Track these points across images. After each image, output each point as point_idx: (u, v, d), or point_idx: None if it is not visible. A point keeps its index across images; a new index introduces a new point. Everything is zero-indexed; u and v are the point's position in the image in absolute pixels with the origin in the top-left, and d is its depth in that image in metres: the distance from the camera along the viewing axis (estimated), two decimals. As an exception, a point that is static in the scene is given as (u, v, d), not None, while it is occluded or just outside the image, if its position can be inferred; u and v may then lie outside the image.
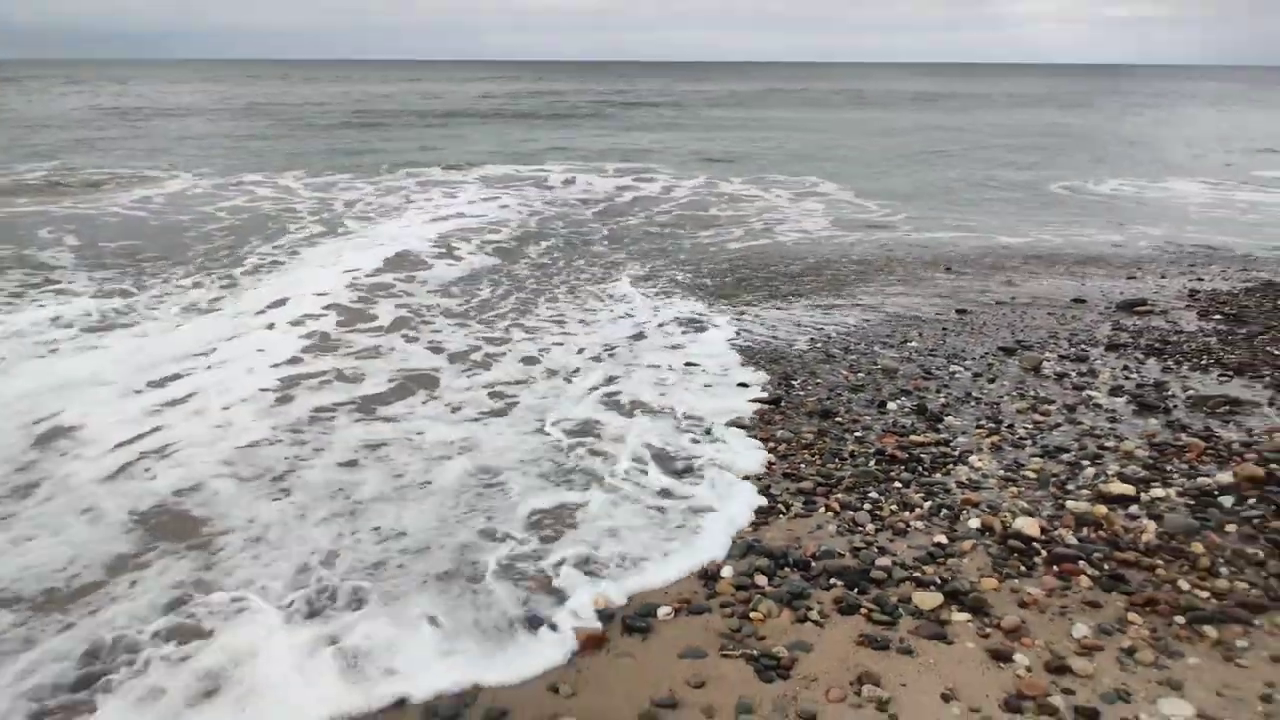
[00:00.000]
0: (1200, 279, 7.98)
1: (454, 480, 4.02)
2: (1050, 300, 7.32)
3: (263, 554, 3.36)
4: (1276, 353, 5.60)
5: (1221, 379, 5.19)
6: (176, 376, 5.33)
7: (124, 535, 3.50)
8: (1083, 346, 5.91)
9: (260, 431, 4.52)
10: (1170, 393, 4.98)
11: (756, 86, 69.36)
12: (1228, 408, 4.73)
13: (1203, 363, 5.46)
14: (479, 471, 4.12)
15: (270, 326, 6.45)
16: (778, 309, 7.12)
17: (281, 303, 7.08)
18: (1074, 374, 5.35)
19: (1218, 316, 6.54)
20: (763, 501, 3.77)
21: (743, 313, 6.97)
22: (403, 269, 8.49)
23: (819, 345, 6.06)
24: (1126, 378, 5.26)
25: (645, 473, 4.10)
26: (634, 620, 2.88)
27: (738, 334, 6.34)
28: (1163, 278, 8.14)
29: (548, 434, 4.57)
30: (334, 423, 4.70)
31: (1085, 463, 4.08)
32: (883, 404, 4.90)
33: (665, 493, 3.90)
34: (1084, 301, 7.20)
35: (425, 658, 2.70)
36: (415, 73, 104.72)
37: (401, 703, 2.54)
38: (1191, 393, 4.96)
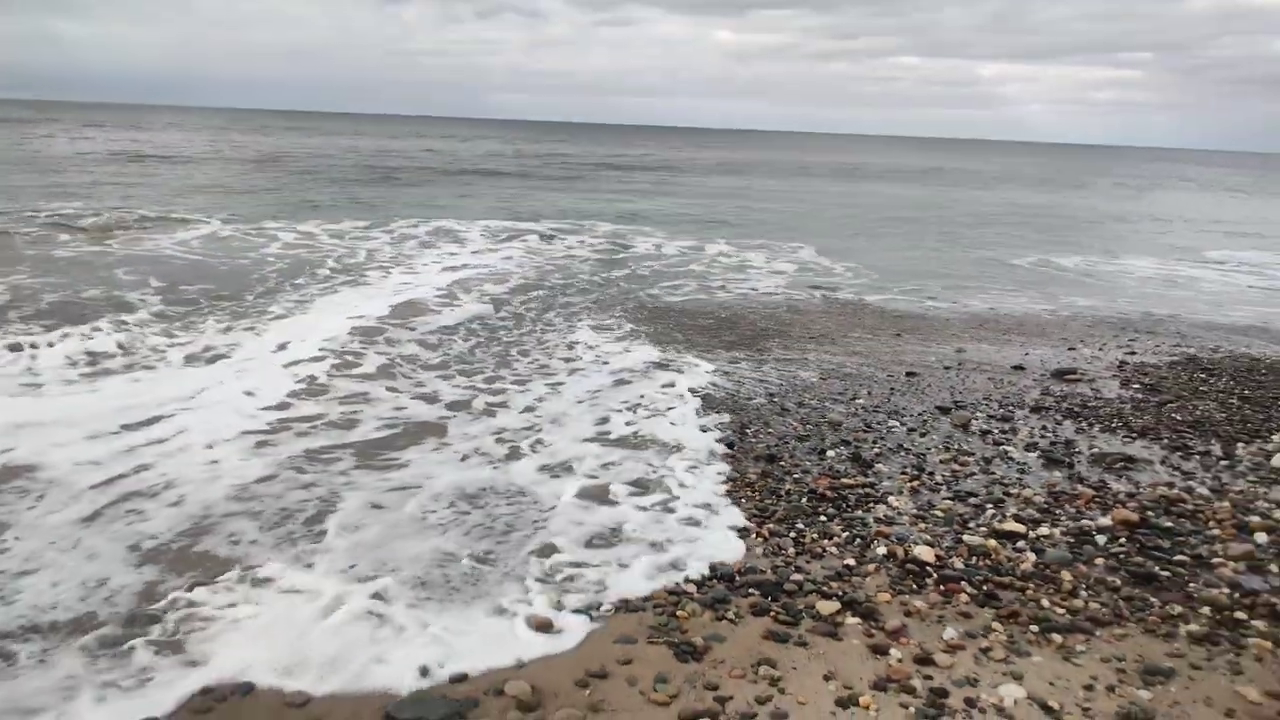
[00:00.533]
0: (1133, 352, 8.69)
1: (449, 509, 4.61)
2: (993, 366, 8.00)
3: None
4: (1178, 419, 6.26)
5: (1125, 440, 5.83)
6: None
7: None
8: (1010, 408, 6.56)
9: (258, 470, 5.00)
10: (1077, 450, 5.62)
11: (752, 155, 71.66)
12: (1123, 464, 5.36)
13: (1112, 426, 6.11)
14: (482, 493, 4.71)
15: (288, 364, 7.04)
16: (751, 362, 7.79)
17: (284, 346, 7.71)
18: (997, 431, 5.99)
19: (1136, 386, 7.22)
20: (704, 528, 4.37)
21: (716, 365, 7.63)
22: (410, 314, 9.22)
23: (775, 398, 6.70)
24: (1042, 436, 5.90)
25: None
26: (581, 611, 3.47)
27: (707, 384, 6.99)
28: (1100, 349, 8.84)
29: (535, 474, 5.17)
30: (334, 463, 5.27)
31: (989, 506, 4.69)
32: (823, 451, 5.52)
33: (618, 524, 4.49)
34: (1023, 369, 7.87)
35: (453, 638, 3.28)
36: (418, 128, 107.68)
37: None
38: (1095, 450, 5.60)
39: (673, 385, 7.01)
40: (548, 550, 4.08)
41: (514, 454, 5.39)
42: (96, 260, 11.82)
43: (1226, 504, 4.67)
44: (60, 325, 8.06)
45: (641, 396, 6.66)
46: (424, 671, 3.06)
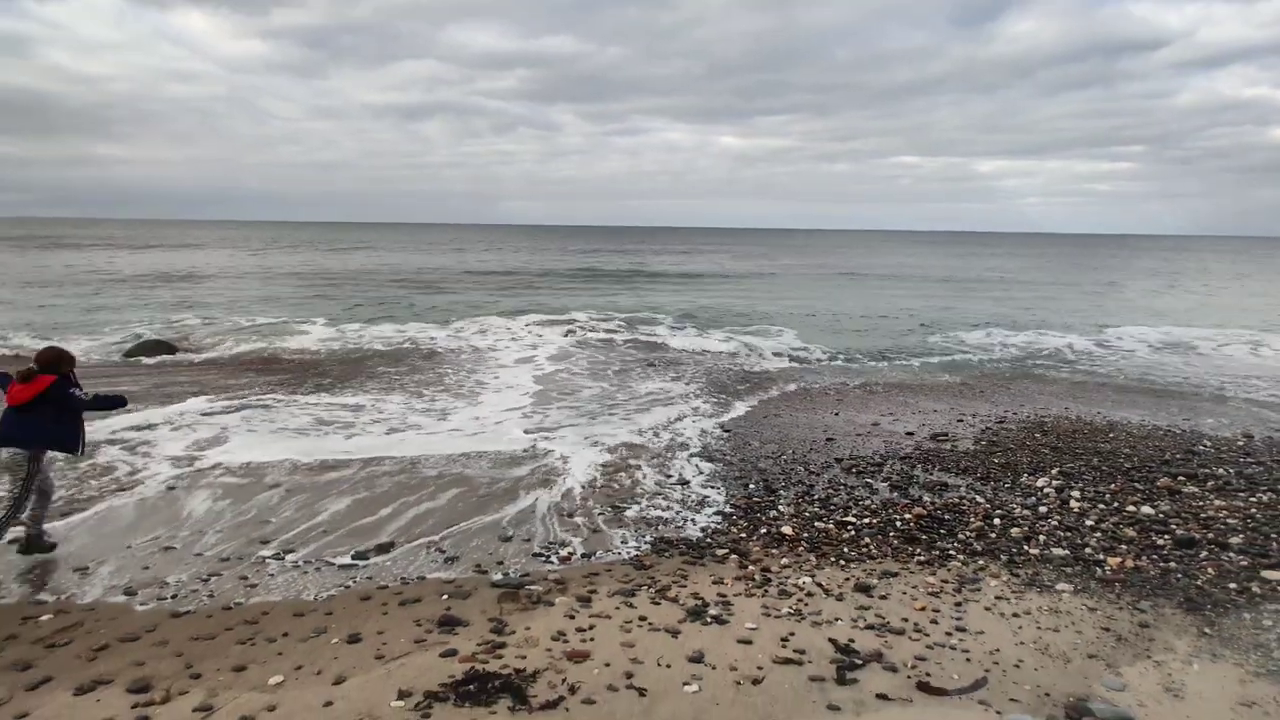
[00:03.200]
0: (1003, 420, 11.64)
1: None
2: (893, 432, 10.97)
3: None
4: (995, 462, 9.20)
5: (950, 475, 8.76)
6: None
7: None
8: (887, 459, 9.50)
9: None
10: (915, 480, 8.55)
11: (757, 252, 76.20)
12: (939, 487, 8.30)
13: (947, 467, 9.04)
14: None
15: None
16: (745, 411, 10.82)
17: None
18: (870, 472, 8.93)
19: (983, 443, 10.17)
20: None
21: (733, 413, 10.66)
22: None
23: (726, 453, 9.69)
24: (897, 474, 8.84)
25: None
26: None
27: (721, 427, 10.02)
28: (978, 417, 11.80)
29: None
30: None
31: (842, 510, 7.62)
32: (745, 484, 8.49)
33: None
34: (913, 433, 10.83)
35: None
36: (439, 235, 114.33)
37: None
38: (926, 480, 8.54)
39: (683, 419, 10.05)
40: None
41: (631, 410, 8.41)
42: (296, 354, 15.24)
43: (983, 503, 7.61)
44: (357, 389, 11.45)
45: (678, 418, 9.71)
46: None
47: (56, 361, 6.19)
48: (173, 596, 5.50)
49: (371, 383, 13.69)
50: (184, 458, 8.94)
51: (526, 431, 10.62)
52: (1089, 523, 7.15)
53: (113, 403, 6.67)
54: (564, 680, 4.33)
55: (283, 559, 6.25)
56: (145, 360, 16.57)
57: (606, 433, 10.62)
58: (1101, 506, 7.59)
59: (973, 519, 7.30)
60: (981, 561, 6.33)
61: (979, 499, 7.89)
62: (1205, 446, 9.92)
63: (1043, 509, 7.55)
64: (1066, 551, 6.50)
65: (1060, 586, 5.82)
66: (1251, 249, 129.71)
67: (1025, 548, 6.61)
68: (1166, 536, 6.78)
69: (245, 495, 7.79)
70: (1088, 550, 6.52)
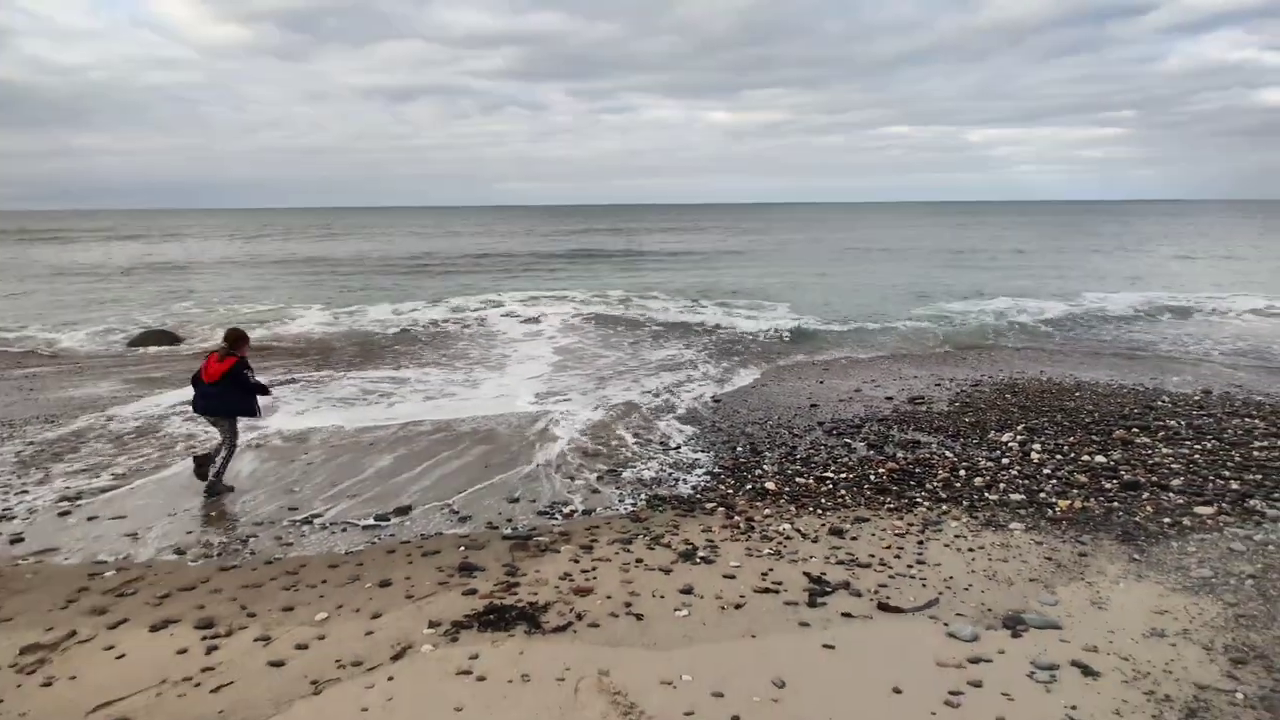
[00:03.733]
0: (978, 383, 12.31)
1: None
2: (874, 397, 11.62)
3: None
4: (967, 421, 9.86)
5: (923, 434, 9.43)
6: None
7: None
8: (866, 421, 10.16)
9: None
10: (890, 439, 9.21)
11: (750, 227, 76.62)
12: (913, 445, 8.96)
13: (921, 427, 9.71)
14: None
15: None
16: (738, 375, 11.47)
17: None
18: (850, 433, 9.59)
19: (956, 404, 10.84)
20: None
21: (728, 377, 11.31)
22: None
23: (719, 419, 10.34)
24: (874, 434, 9.50)
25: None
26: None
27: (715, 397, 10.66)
28: (954, 381, 12.46)
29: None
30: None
31: (821, 467, 8.28)
32: (733, 448, 9.14)
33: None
34: (892, 398, 11.49)
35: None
36: (428, 218, 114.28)
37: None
38: (900, 439, 9.21)
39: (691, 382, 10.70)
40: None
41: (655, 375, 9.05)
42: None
43: (951, 457, 8.29)
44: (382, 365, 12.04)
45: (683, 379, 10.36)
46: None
47: (239, 342, 7.61)
48: (218, 554, 6.15)
49: (382, 363, 14.32)
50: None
51: (532, 402, 11.25)
52: (1045, 471, 7.83)
53: (264, 390, 7.89)
54: (571, 610, 4.99)
55: (311, 523, 6.89)
56: (152, 349, 17.13)
57: (606, 400, 11.28)
58: (1059, 457, 8.27)
59: (940, 471, 7.97)
60: (945, 507, 7.00)
61: (948, 454, 8.56)
62: (1163, 402, 10.61)
63: (1005, 461, 8.22)
64: (1023, 496, 7.17)
65: (1013, 526, 6.50)
66: (1245, 212, 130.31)
67: (986, 494, 7.28)
68: (1114, 481, 7.46)
69: (279, 461, 8.42)
70: (1042, 495, 7.19)
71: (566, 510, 7.18)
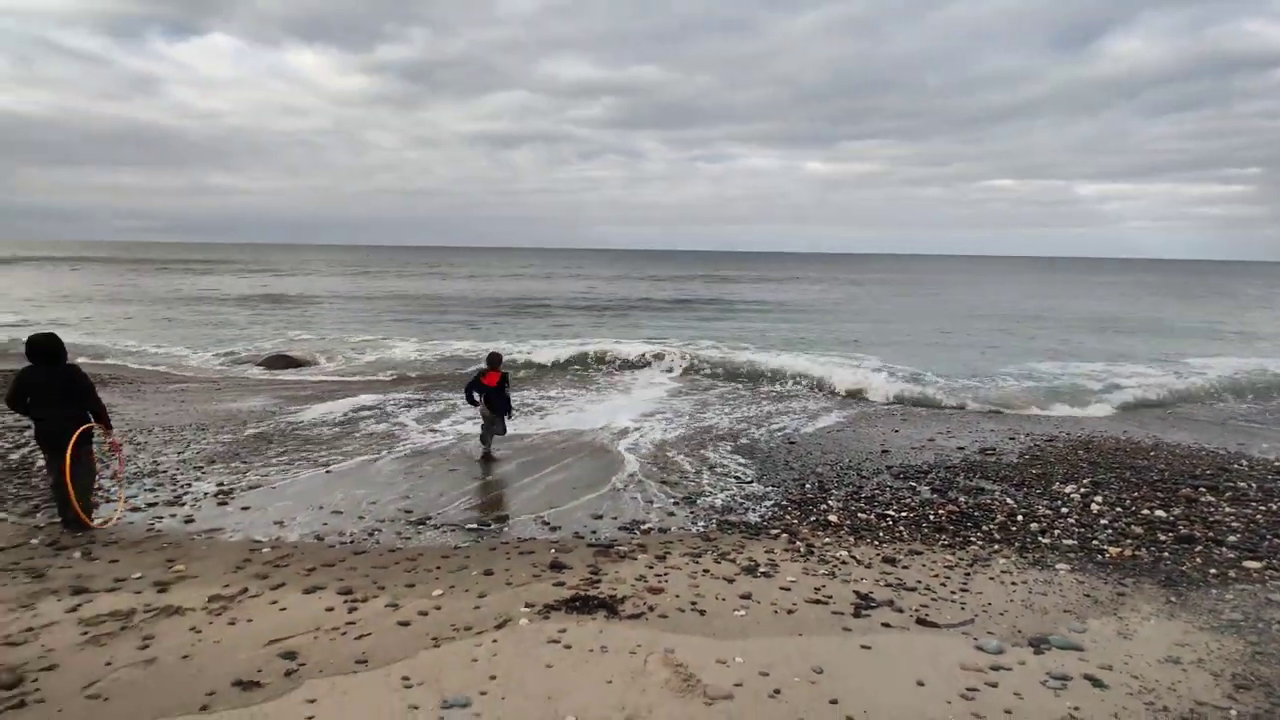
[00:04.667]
0: (1052, 439, 12.52)
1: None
2: (944, 446, 12.03)
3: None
4: (1034, 473, 10.20)
5: (986, 482, 9.83)
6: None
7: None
8: (933, 467, 10.62)
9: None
10: (955, 484, 9.67)
11: (844, 278, 76.51)
12: (976, 491, 9.41)
13: (987, 475, 10.11)
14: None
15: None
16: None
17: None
18: (915, 477, 10.09)
19: (1026, 456, 11.15)
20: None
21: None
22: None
23: (793, 458, 11.00)
24: (941, 479, 9.97)
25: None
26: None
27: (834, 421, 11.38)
28: (1030, 436, 12.70)
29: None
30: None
31: (884, 505, 8.84)
32: (803, 484, 9.79)
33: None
34: (963, 448, 11.88)
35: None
36: (524, 259, 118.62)
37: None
38: (964, 485, 9.65)
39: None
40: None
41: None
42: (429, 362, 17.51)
43: (1011, 503, 8.72)
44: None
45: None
46: (600, 544, 7.52)
47: (498, 360, 11.03)
48: (351, 541, 7.27)
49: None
50: (360, 436, 10.91)
51: (623, 433, 12.20)
52: (1103, 522, 8.18)
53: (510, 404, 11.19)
54: (645, 603, 5.82)
55: (424, 523, 7.96)
56: (281, 374, 19.07)
57: (690, 437, 12.12)
58: (1119, 510, 8.58)
59: (999, 515, 8.42)
60: (997, 547, 7.48)
61: (1009, 500, 8.98)
62: (1240, 466, 10.64)
63: (1064, 510, 8.59)
64: (1075, 542, 7.58)
65: (1059, 566, 6.94)
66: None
67: (1039, 539, 7.71)
68: (1169, 534, 7.76)
69: (403, 471, 9.62)
70: (1095, 542, 7.58)
71: (644, 527, 8.03)
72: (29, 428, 11.38)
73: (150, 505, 8.18)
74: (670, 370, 19.63)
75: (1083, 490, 9.32)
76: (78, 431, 7.12)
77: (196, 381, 17.49)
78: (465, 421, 12.97)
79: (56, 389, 7.04)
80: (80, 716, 4.09)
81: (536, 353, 21.41)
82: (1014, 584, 6.50)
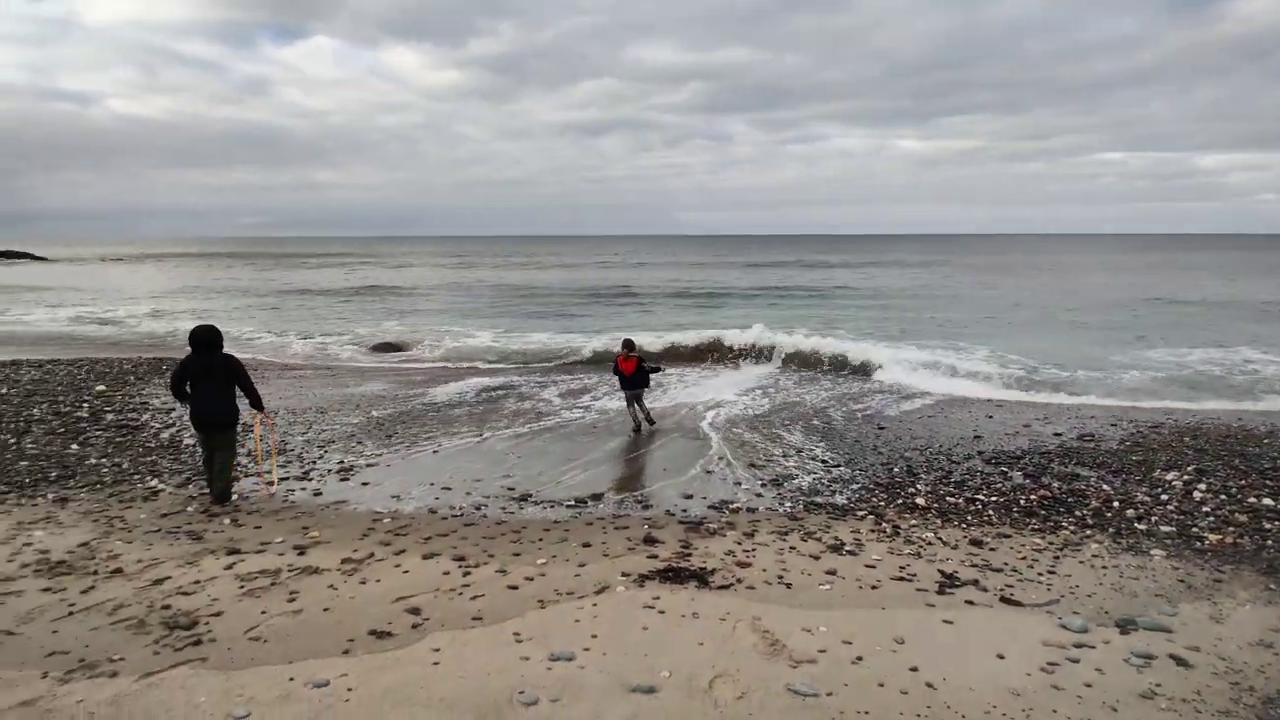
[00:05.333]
0: (1158, 425, 12.10)
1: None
2: (1039, 432, 11.82)
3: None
4: (1134, 459, 9.96)
5: (1081, 468, 9.67)
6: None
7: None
8: (1026, 453, 10.50)
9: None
10: (1050, 470, 9.58)
11: (940, 260, 74.19)
12: (1070, 477, 9.29)
13: (1084, 461, 9.95)
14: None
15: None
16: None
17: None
18: (1007, 462, 10.02)
19: (1126, 443, 10.87)
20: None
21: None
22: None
23: (882, 442, 11.09)
24: (1035, 465, 9.87)
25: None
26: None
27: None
28: (1133, 422, 12.31)
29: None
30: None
31: (974, 490, 8.87)
32: (891, 469, 9.88)
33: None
34: (1060, 434, 11.65)
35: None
36: (618, 247, 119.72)
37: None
38: (1059, 471, 9.54)
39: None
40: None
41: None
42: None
43: (1107, 489, 8.60)
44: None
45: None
46: (691, 521, 7.90)
47: (633, 345, 12.17)
48: (460, 514, 7.90)
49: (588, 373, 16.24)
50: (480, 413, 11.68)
51: (717, 418, 12.56)
52: (1205, 509, 7.99)
53: (657, 369, 12.88)
54: (733, 576, 6.17)
55: (526, 499, 8.53)
56: (389, 355, 20.28)
57: (780, 421, 12.36)
58: (1224, 497, 8.34)
59: (1093, 501, 8.34)
60: (1089, 532, 7.45)
61: (1105, 487, 8.85)
62: (1367, 455, 10.08)
63: (1164, 497, 8.42)
64: (1173, 529, 7.46)
65: (1154, 551, 6.89)
66: None
67: (1135, 525, 7.63)
68: (1277, 522, 7.53)
69: (489, 454, 10.27)
70: (1194, 529, 7.44)
71: (733, 506, 8.35)
72: (174, 409, 12.64)
73: (282, 480, 9.06)
74: (762, 358, 19.78)
75: (1185, 477, 9.08)
76: (231, 413, 7.99)
77: (310, 368, 18.80)
78: (603, 397, 13.75)
79: (213, 375, 7.92)
80: (246, 653, 4.77)
81: (636, 338, 21.93)
82: (1104, 568, 6.51)
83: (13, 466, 9.27)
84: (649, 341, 21.24)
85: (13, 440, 10.56)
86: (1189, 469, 9.45)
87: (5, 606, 5.40)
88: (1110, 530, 7.47)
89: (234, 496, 8.22)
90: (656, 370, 12.63)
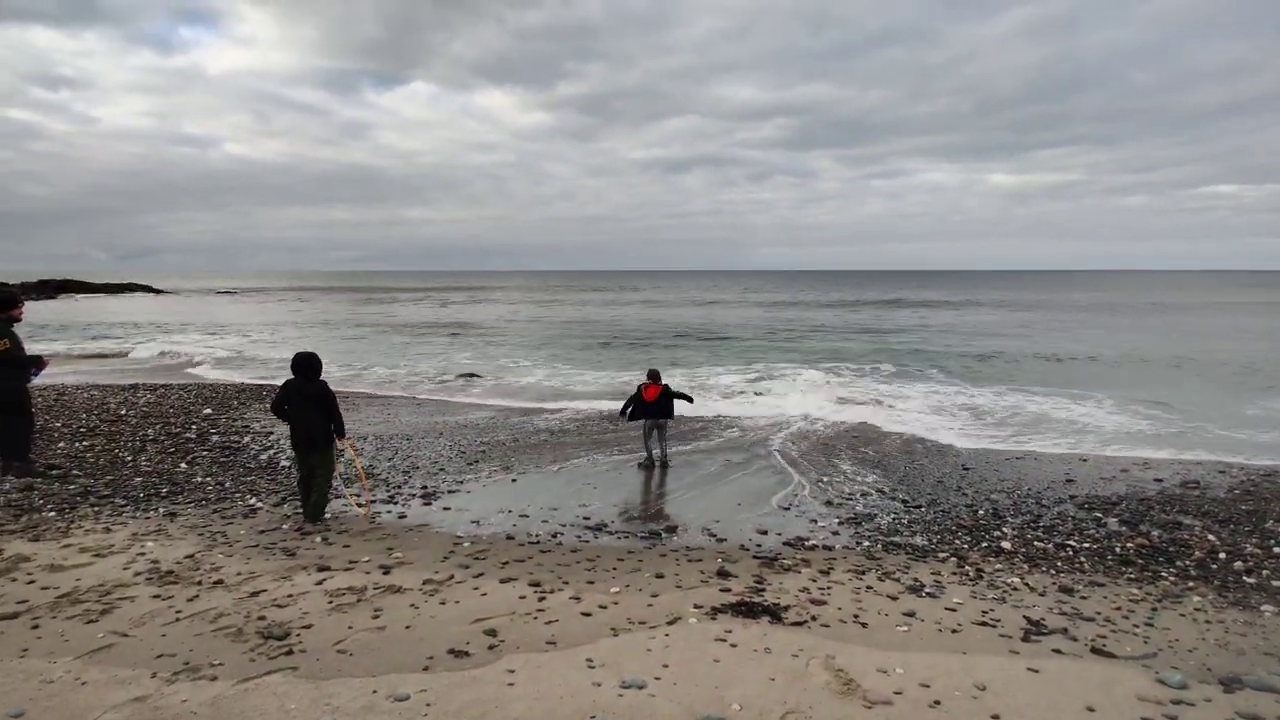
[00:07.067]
0: (1271, 474, 11.32)
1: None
2: (1139, 478, 11.23)
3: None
4: (1243, 509, 9.34)
5: (1185, 516, 9.13)
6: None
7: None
8: (1122, 499, 9.99)
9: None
10: (1148, 517, 9.08)
11: (1037, 299, 71.59)
12: (1171, 526, 8.79)
13: (1187, 509, 9.38)
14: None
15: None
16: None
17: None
18: (1102, 508, 9.56)
19: (1236, 492, 10.19)
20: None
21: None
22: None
23: (967, 483, 10.75)
24: (1132, 512, 9.37)
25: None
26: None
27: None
28: (1251, 469, 11.56)
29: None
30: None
31: (1064, 536, 8.49)
32: (975, 510, 9.56)
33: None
34: (1161, 480, 11.03)
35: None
36: (699, 282, 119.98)
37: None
38: (1159, 519, 9.03)
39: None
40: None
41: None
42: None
43: (1213, 540, 8.10)
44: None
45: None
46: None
47: (658, 375, 12.08)
48: (537, 541, 8.06)
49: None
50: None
51: (797, 456, 12.44)
52: (1326, 565, 7.43)
53: (687, 398, 12.53)
54: (808, 613, 6.08)
55: (601, 529, 8.63)
56: (473, 387, 20.89)
57: (864, 459, 12.13)
58: (1347, 553, 7.74)
59: (1196, 551, 7.87)
60: (1192, 584, 7.03)
61: (1210, 537, 8.34)
62: None
63: (1277, 550, 7.87)
64: (1288, 584, 6.97)
65: (1265, 608, 6.44)
66: None
67: (1244, 579, 7.16)
68: None
69: (572, 482, 10.44)
70: (1312, 586, 6.93)
71: (809, 544, 8.24)
72: (272, 433, 13.34)
73: (371, 502, 9.44)
74: (846, 400, 19.51)
75: (1303, 530, 8.47)
76: (324, 437, 8.42)
77: (396, 397, 19.52)
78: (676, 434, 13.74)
79: (311, 399, 8.37)
80: (333, 665, 4.98)
81: (713, 378, 22.08)
82: (1208, 622, 6.13)
83: (129, 482, 9.96)
84: (723, 379, 21.18)
85: (130, 458, 11.35)
86: (1306, 521, 8.82)
87: (121, 610, 5.80)
88: (1215, 583, 7.03)
89: (327, 515, 8.61)
90: (685, 398, 12.26)
